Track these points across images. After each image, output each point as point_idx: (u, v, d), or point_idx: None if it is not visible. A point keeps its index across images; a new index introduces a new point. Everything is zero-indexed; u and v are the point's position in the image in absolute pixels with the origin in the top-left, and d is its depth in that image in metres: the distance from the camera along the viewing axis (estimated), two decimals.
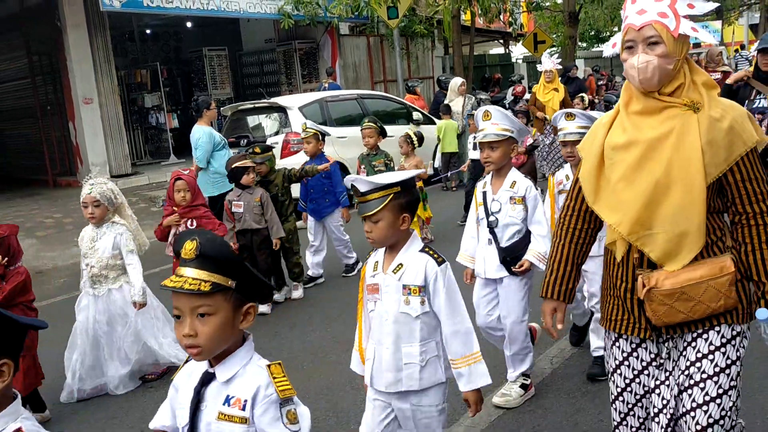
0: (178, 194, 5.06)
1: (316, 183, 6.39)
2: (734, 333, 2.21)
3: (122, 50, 17.02)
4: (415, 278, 2.51)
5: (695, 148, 2.08)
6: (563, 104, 9.63)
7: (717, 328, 2.20)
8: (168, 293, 1.77)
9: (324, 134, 6.65)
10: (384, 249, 2.61)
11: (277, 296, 5.91)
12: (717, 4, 2.12)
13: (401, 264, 2.53)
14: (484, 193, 3.75)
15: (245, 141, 9.80)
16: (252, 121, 10.44)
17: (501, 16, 17.92)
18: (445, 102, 11.12)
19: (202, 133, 7.51)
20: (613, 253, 2.29)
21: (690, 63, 2.19)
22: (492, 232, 3.68)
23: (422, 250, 2.55)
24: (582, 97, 10.87)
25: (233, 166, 5.66)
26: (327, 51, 16.95)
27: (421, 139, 7.73)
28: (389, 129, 10.50)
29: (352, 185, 2.53)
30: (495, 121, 3.60)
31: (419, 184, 7.42)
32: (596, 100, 16.94)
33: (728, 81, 4.90)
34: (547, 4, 22.10)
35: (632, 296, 2.25)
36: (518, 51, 25.71)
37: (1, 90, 15.14)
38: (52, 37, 12.68)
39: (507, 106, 14.41)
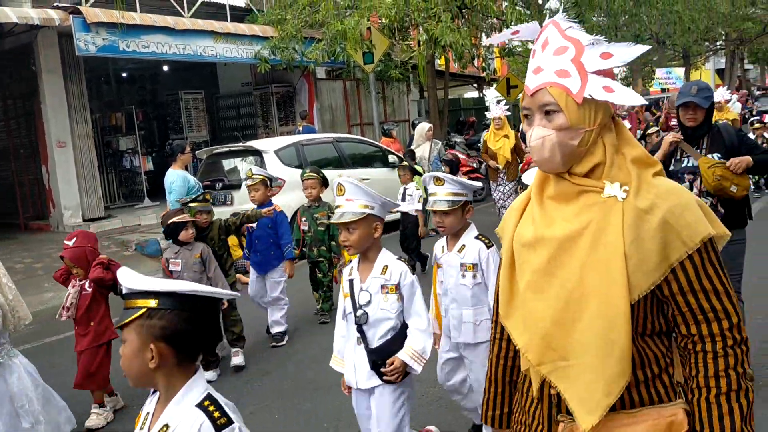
0: (73, 271, 4.61)
1: (261, 233, 5.93)
2: None
3: (97, 93, 17.02)
4: None
5: (616, 250, 1.51)
6: (516, 150, 9.59)
7: None
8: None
9: (272, 180, 6.29)
10: (156, 395, 1.79)
11: (208, 375, 5.22)
12: (645, 48, 1.57)
13: (166, 426, 1.68)
14: (351, 282, 3.08)
15: (220, 184, 9.79)
16: (227, 164, 10.45)
17: (474, 62, 18.26)
18: (412, 147, 11.06)
19: (176, 177, 7.51)
20: (530, 380, 1.72)
21: (619, 130, 1.63)
22: (361, 329, 3.02)
23: (201, 405, 1.68)
24: None
25: (170, 222, 5.14)
26: (304, 94, 17.10)
27: None
28: (365, 172, 10.63)
29: None
30: (350, 196, 2.97)
31: None
32: None
33: (658, 156, 4.17)
34: (519, 50, 22.56)
35: None
36: (492, 95, 26.11)
37: None
38: (27, 81, 12.66)
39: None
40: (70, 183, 12.64)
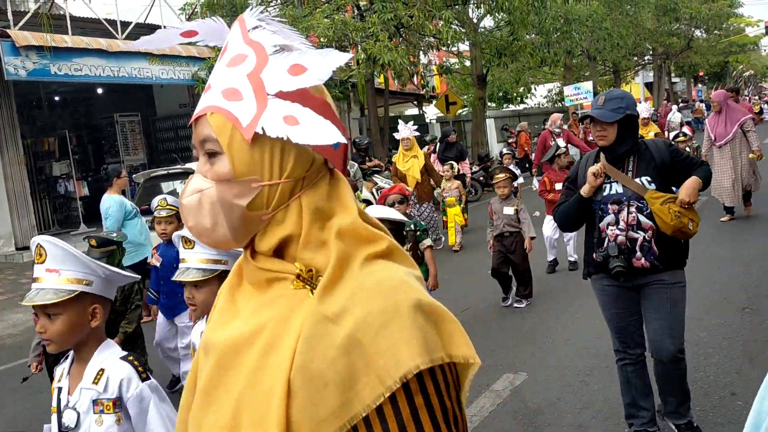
0: None
1: (170, 273, 5.00)
2: None
3: (29, 117, 16.51)
4: None
5: (279, 379, 0.94)
6: (426, 171, 9.55)
7: None
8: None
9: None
10: None
11: None
12: (345, 57, 0.99)
13: None
14: (59, 392, 2.09)
15: None
16: (166, 187, 10.25)
17: (414, 79, 18.52)
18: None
19: (112, 202, 7.37)
20: None
21: (335, 187, 1.05)
22: None
23: None
24: (451, 164, 10.35)
25: None
26: None
27: None
28: None
29: None
30: (53, 265, 1.96)
31: None
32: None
33: (584, 192, 3.40)
34: (457, 67, 23.01)
35: None
36: (432, 112, 26.52)
37: None
38: None
39: None
40: (1, 211, 12.22)
